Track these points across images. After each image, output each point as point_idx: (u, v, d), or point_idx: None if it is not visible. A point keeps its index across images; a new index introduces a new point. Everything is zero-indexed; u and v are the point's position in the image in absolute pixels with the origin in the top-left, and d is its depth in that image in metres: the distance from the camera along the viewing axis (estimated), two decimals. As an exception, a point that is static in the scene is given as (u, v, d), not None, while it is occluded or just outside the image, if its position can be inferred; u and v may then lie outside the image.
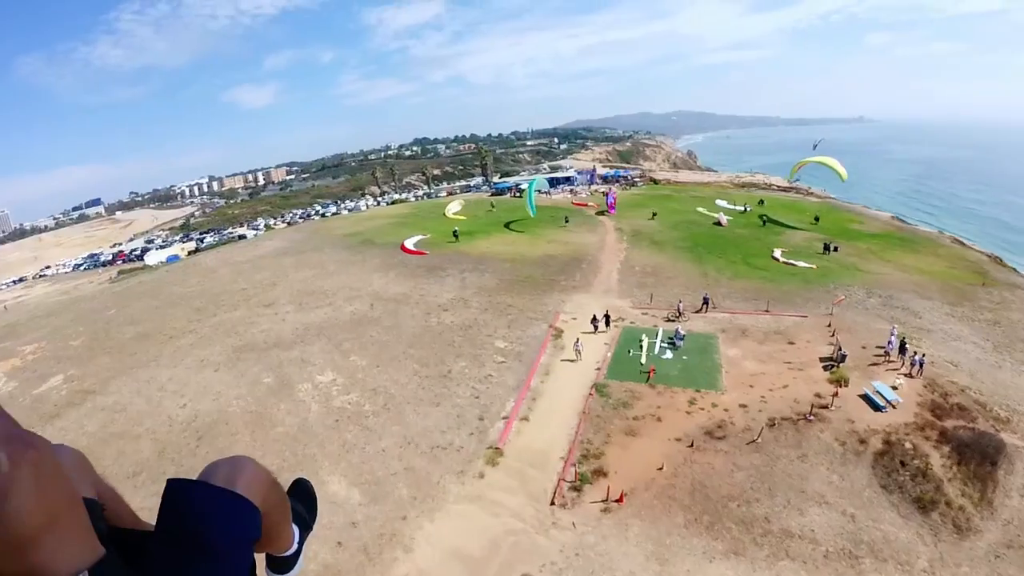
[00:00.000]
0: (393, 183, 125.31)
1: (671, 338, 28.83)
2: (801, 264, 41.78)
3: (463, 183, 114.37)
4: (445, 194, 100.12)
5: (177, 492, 1.08)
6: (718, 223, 54.34)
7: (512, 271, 40.32)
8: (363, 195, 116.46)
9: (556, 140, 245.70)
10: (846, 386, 24.61)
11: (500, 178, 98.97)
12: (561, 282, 37.87)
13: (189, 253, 71.37)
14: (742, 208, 59.85)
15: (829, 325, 30.69)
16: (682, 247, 47.03)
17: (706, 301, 32.81)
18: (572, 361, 26.56)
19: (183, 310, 37.45)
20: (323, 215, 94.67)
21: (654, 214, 56.92)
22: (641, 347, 28.11)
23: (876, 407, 23.67)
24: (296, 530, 1.49)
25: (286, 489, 1.51)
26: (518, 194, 74.94)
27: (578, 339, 26.96)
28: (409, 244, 50.61)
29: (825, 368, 26.43)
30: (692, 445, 20.77)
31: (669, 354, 27.55)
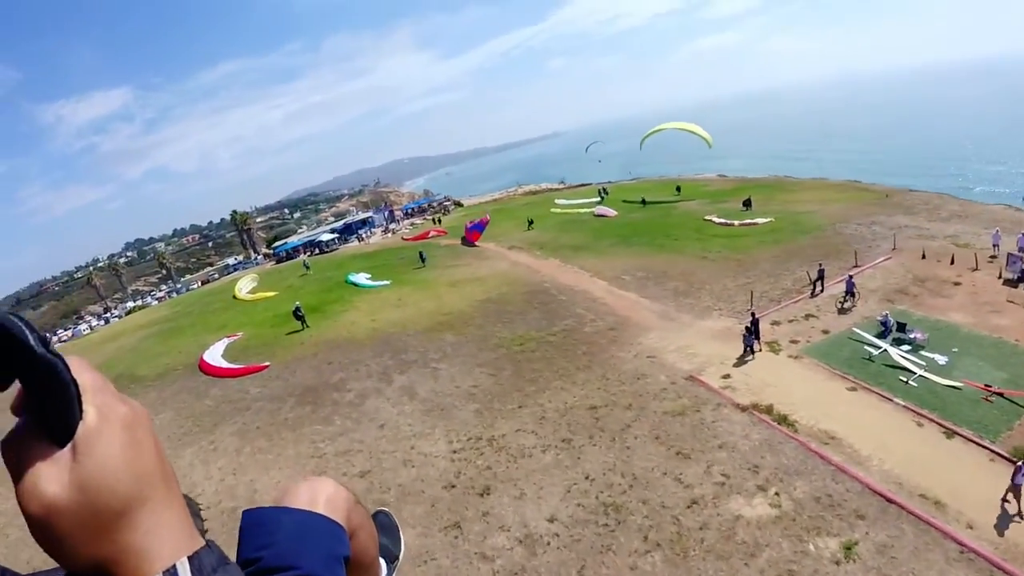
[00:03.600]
0: (120, 293, 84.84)
1: (891, 332, 15.50)
2: (760, 220, 32.72)
3: (220, 265, 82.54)
4: (199, 284, 69.09)
5: (257, 521, 0.86)
6: (601, 215, 43.25)
7: (476, 344, 20.43)
8: (80, 318, 74.38)
9: (287, 211, 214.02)
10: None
11: (271, 245, 72.92)
12: (583, 331, 19.87)
13: None
14: (598, 199, 50.58)
15: (923, 256, 21.78)
16: (615, 243, 33.57)
17: (821, 273, 20.04)
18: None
19: None
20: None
21: (530, 222, 43.10)
22: (895, 366, 14.02)
23: None
24: (383, 563, 1.26)
25: None
26: (316, 250, 54.90)
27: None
28: (214, 358, 25.55)
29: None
30: None
31: (942, 357, 14.09)
